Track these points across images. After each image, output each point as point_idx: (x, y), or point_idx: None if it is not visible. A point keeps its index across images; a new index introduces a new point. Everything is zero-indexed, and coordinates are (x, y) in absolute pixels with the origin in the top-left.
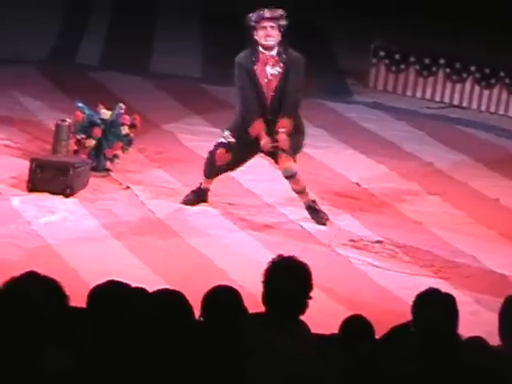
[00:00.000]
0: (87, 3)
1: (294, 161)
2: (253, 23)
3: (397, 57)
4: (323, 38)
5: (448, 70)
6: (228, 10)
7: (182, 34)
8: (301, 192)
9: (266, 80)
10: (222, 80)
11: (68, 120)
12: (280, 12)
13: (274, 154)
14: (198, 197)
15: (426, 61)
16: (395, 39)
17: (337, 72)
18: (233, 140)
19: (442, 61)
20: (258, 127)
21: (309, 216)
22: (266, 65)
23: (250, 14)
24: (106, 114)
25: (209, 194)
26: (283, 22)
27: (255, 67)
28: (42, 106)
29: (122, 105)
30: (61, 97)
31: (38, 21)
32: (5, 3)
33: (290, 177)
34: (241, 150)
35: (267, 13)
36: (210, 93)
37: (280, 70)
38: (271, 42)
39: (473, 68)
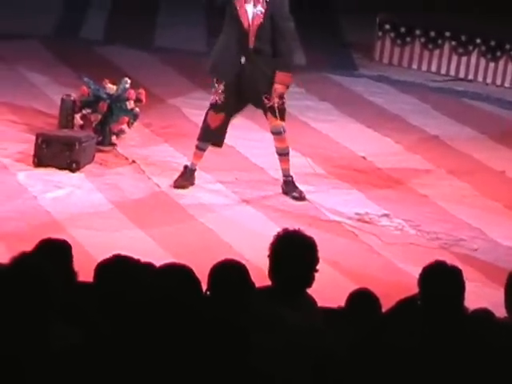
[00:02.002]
0: None
1: (282, 119)
2: None
3: (402, 30)
4: (328, 11)
5: (454, 43)
6: None
7: (185, 8)
8: (283, 153)
9: (247, 17)
10: None
11: (73, 95)
12: None
13: (263, 107)
14: (187, 179)
15: (432, 34)
16: (401, 11)
17: (342, 45)
18: (218, 98)
19: (447, 34)
20: None
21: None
22: (246, 2)
23: None
24: (111, 88)
25: (195, 175)
26: None
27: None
28: (48, 80)
29: (127, 79)
30: (66, 71)
31: None
32: None
33: (277, 133)
34: (227, 101)
35: None
36: None
37: (262, 10)
38: None
39: (478, 40)
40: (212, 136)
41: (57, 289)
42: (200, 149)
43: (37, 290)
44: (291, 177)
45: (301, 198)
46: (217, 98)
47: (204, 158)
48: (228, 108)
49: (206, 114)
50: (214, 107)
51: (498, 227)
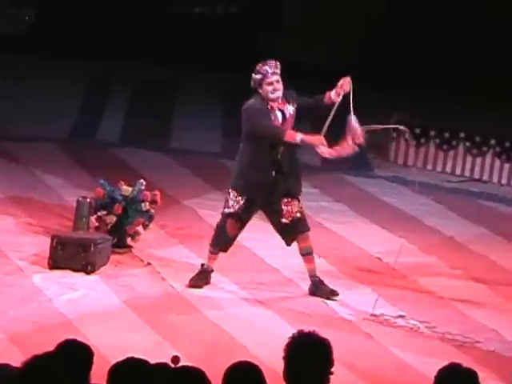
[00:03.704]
0: (108, 79)
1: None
2: (258, 82)
3: (417, 131)
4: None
5: (468, 144)
6: (246, 88)
7: (201, 110)
8: (307, 253)
9: (278, 122)
10: None
11: (89, 197)
12: (275, 61)
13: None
14: (202, 280)
15: (446, 134)
16: (415, 112)
17: (357, 146)
18: (238, 207)
19: (462, 134)
20: (318, 139)
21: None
22: (275, 110)
23: (253, 75)
24: (126, 190)
25: (211, 275)
26: (280, 69)
27: (269, 109)
28: (63, 183)
29: (142, 181)
30: (81, 174)
31: (59, 98)
32: (25, 83)
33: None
34: (246, 211)
35: (270, 68)
36: (230, 168)
37: (293, 109)
38: (278, 94)
39: (493, 142)
40: (226, 243)
41: None
42: (214, 253)
43: None
44: (318, 277)
45: (335, 294)
46: (237, 207)
47: (219, 259)
48: (246, 218)
49: (225, 222)
50: (234, 216)
51: None
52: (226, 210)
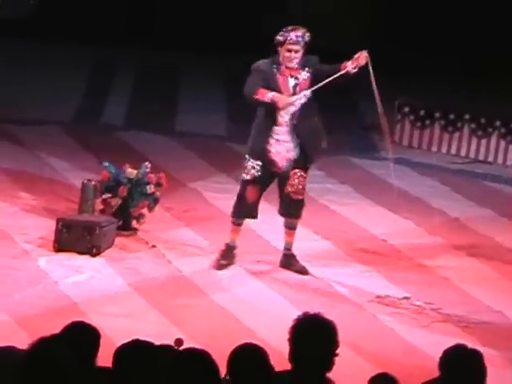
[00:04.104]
0: (111, 63)
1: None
2: (278, 44)
3: (421, 113)
4: (348, 94)
5: (473, 126)
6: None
7: (206, 93)
8: (292, 227)
9: (288, 87)
10: (246, 138)
11: (94, 179)
12: (303, 31)
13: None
14: (227, 259)
15: (451, 116)
16: (419, 95)
17: (362, 128)
18: (254, 172)
19: (466, 116)
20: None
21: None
22: (286, 76)
23: (277, 36)
24: (131, 173)
25: (236, 252)
26: (307, 39)
27: (275, 73)
28: (69, 166)
29: (147, 164)
30: (87, 157)
31: (62, 82)
32: (28, 67)
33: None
34: (263, 176)
35: (295, 36)
36: (235, 151)
37: (308, 74)
38: (292, 64)
39: (498, 123)
40: (249, 210)
41: (73, 376)
42: (237, 224)
43: (52, 378)
44: (292, 252)
45: (304, 271)
46: (253, 173)
47: (225, 242)
48: (263, 182)
49: (244, 189)
50: (251, 182)
51: None
52: (244, 176)
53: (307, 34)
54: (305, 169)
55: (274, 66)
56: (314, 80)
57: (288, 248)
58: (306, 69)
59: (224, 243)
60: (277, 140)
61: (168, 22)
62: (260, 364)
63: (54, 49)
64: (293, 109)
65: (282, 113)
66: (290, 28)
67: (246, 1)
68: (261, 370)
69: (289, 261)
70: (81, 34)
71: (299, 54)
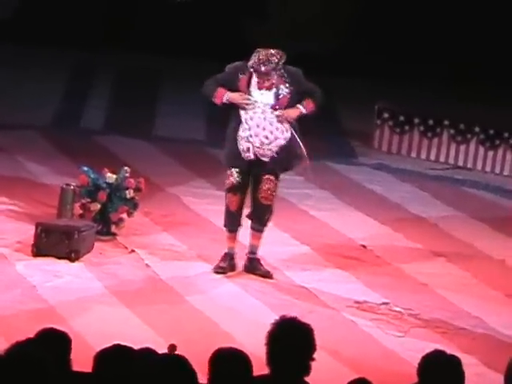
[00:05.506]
0: (90, 67)
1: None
2: (250, 68)
3: (401, 118)
4: (327, 99)
5: (452, 131)
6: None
7: (185, 98)
8: (259, 230)
9: (245, 88)
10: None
11: (73, 184)
12: (274, 58)
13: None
14: (226, 263)
15: (430, 122)
16: (399, 101)
17: (341, 134)
18: (232, 180)
19: (446, 122)
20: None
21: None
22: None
23: (250, 61)
24: (111, 177)
25: (236, 260)
26: (281, 61)
27: (244, 74)
28: (47, 170)
29: (126, 168)
30: (65, 161)
31: (40, 85)
32: (6, 69)
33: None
34: (242, 183)
35: (263, 68)
36: (214, 156)
37: (287, 91)
38: (269, 83)
39: (477, 129)
40: (232, 219)
41: (52, 379)
42: (229, 231)
43: (30, 381)
44: (257, 256)
45: (269, 276)
46: (231, 180)
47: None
48: (242, 190)
49: (226, 198)
50: (230, 190)
51: (498, 316)
52: (225, 186)
53: (279, 57)
54: (277, 175)
55: (244, 71)
56: (293, 97)
57: (253, 252)
58: (287, 84)
59: (224, 252)
60: (246, 137)
61: (147, 26)
62: (239, 368)
63: (32, 52)
64: (261, 105)
65: (247, 111)
66: (261, 57)
67: (226, 5)
68: (240, 375)
69: (253, 265)
70: (59, 36)
71: (272, 76)
